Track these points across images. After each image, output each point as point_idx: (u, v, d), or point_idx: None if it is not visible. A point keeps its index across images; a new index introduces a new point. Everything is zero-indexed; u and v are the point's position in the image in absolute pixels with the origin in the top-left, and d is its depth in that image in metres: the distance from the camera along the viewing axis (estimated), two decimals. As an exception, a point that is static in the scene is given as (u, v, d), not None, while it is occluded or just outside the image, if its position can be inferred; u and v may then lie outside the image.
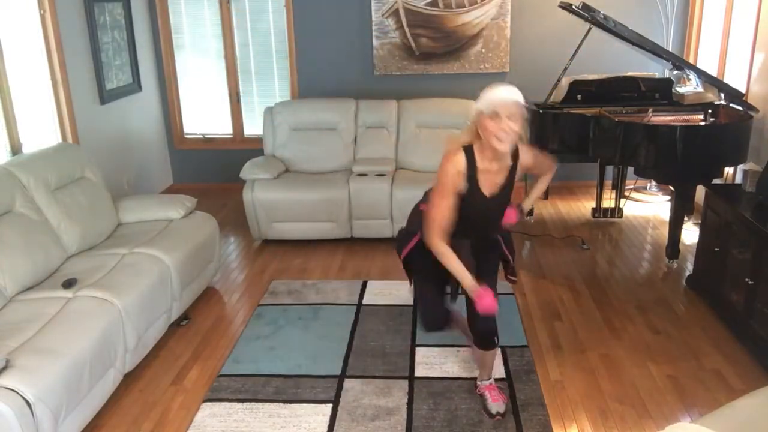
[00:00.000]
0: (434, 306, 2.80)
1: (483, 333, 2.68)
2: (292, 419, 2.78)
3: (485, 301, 2.45)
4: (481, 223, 2.64)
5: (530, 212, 5.15)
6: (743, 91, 4.42)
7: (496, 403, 2.77)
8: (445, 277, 2.65)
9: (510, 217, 2.75)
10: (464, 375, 3.05)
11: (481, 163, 2.44)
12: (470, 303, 2.61)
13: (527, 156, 2.60)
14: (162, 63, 5.94)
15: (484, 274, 2.61)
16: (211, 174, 6.21)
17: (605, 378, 3.04)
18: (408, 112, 5.11)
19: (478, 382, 2.90)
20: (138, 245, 3.51)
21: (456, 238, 2.52)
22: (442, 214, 2.44)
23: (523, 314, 3.66)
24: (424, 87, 5.69)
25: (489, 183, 2.49)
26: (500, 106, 2.30)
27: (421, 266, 2.78)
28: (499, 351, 3.24)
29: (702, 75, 4.36)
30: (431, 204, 2.50)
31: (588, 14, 4.20)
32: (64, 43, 4.46)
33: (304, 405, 2.87)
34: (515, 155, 2.53)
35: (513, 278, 2.97)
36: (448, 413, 2.79)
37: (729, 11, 4.82)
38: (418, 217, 2.69)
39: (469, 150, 2.44)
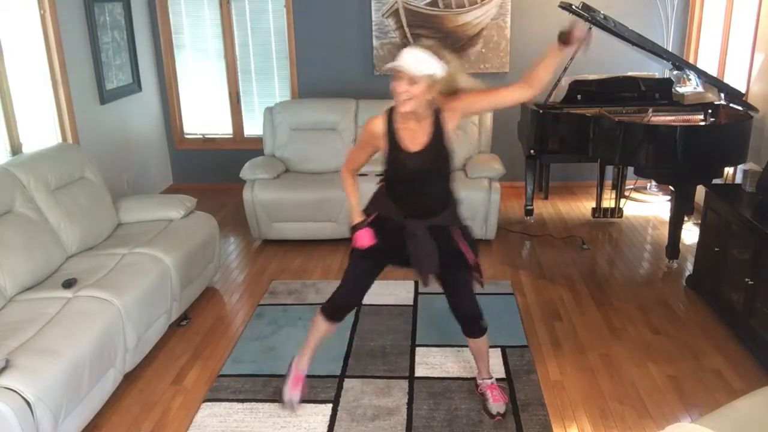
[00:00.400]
0: (353, 288, 2.73)
1: (466, 318, 2.70)
2: (292, 419, 2.78)
3: (359, 240, 2.55)
4: (411, 184, 2.52)
5: (530, 212, 5.15)
6: (743, 91, 4.42)
7: (497, 403, 2.77)
8: (398, 264, 2.67)
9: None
10: (464, 375, 3.05)
11: (397, 122, 2.46)
12: (451, 293, 2.66)
13: (451, 112, 2.43)
14: (162, 63, 5.94)
15: (452, 268, 2.59)
16: (211, 174, 6.21)
17: (605, 378, 3.04)
18: (408, 112, 5.10)
19: (479, 381, 2.90)
20: (138, 245, 3.51)
21: (393, 205, 2.56)
22: (353, 156, 2.67)
23: (523, 314, 3.66)
24: (424, 87, 5.69)
25: (410, 139, 2.45)
26: (395, 68, 2.31)
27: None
28: (499, 351, 3.25)
29: (702, 75, 4.36)
30: (349, 151, 2.72)
31: (588, 14, 4.20)
32: (64, 43, 4.46)
33: (304, 405, 2.86)
34: (439, 112, 2.44)
35: (479, 279, 2.70)
36: (448, 413, 2.79)
37: (729, 11, 4.82)
38: (376, 196, 2.68)
39: (390, 110, 2.48)
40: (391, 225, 2.55)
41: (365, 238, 2.56)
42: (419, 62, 2.28)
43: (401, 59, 2.30)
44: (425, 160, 2.45)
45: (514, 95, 2.43)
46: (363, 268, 2.70)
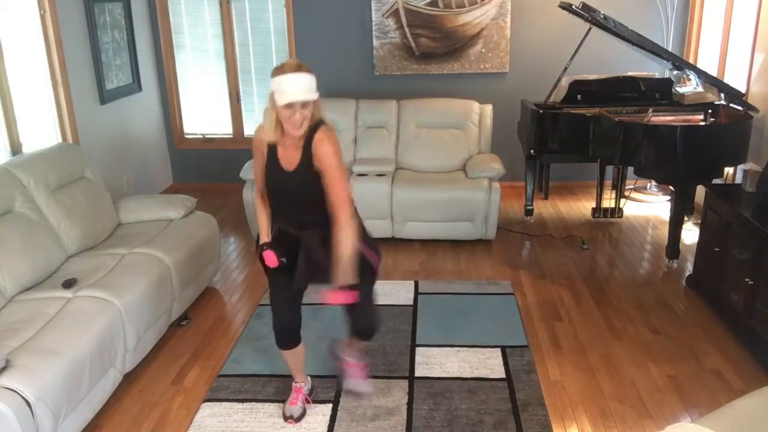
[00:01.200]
0: (285, 308, 2.64)
1: (364, 331, 2.72)
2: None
3: (267, 260, 2.51)
4: (286, 199, 2.52)
5: (530, 212, 5.15)
6: (743, 91, 4.42)
7: (355, 381, 2.88)
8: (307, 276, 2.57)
9: (332, 296, 2.43)
10: (464, 375, 3.05)
11: (279, 139, 2.43)
12: (347, 307, 2.60)
13: (319, 147, 2.38)
14: (162, 63, 5.94)
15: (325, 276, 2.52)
16: (211, 174, 6.21)
17: (605, 378, 3.04)
18: (408, 112, 5.11)
19: (342, 355, 2.94)
20: (138, 245, 3.51)
21: (278, 218, 2.56)
22: (256, 174, 2.58)
23: (523, 314, 3.66)
24: (423, 87, 5.69)
25: (287, 156, 2.44)
26: (303, 101, 2.29)
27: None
28: (499, 351, 3.26)
29: (702, 75, 4.36)
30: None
31: (588, 14, 4.21)
32: (64, 43, 4.46)
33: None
34: (312, 135, 2.41)
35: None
36: (448, 413, 2.79)
37: (729, 11, 4.82)
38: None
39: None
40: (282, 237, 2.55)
41: (271, 258, 2.51)
42: (312, 84, 2.29)
43: (300, 88, 2.24)
44: (300, 180, 2.42)
45: (332, 201, 2.40)
46: (282, 284, 2.60)
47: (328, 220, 2.43)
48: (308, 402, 2.86)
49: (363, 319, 2.67)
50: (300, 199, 2.47)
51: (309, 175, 2.40)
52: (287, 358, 2.77)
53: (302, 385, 2.87)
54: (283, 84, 2.25)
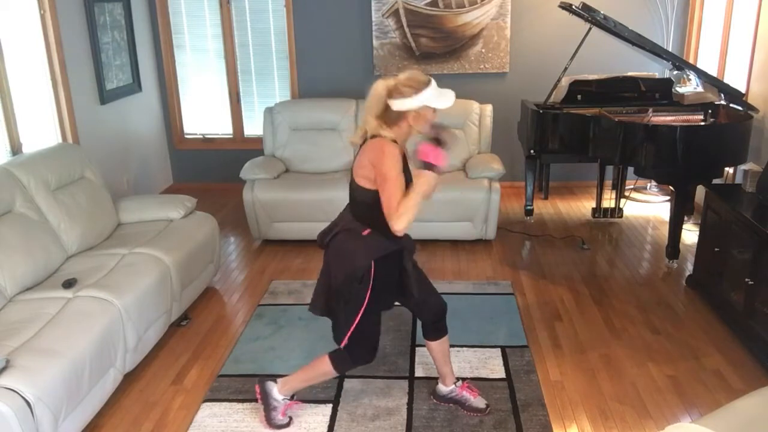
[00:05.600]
0: (376, 333, 2.62)
1: (435, 314, 2.67)
2: (292, 419, 2.78)
3: (431, 155, 2.34)
4: None
5: (530, 212, 5.15)
6: (743, 91, 4.42)
7: (479, 398, 2.79)
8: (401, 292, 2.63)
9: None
10: (464, 375, 3.05)
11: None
12: (416, 298, 2.62)
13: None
14: (162, 63, 5.94)
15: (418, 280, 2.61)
16: (211, 174, 6.21)
17: (605, 378, 3.04)
18: (408, 112, 5.10)
19: (449, 388, 2.82)
20: (138, 245, 3.51)
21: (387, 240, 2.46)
22: (398, 192, 2.32)
23: (523, 314, 3.66)
24: (424, 87, 5.69)
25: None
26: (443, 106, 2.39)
27: (382, 280, 2.49)
28: (499, 351, 3.25)
29: (702, 75, 4.36)
30: (389, 184, 2.32)
31: (588, 14, 4.20)
32: (64, 43, 4.46)
33: (304, 405, 2.86)
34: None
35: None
36: (448, 413, 2.79)
37: (729, 11, 4.82)
38: (369, 245, 2.47)
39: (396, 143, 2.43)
40: (391, 258, 2.51)
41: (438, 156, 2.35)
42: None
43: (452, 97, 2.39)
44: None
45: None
46: (387, 307, 2.67)
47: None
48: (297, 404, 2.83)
49: (434, 291, 2.69)
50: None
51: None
52: (317, 375, 2.72)
53: (460, 382, 2.85)
54: (442, 90, 2.39)
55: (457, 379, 2.85)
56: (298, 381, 2.74)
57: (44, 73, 4.38)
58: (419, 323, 2.73)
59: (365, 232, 2.46)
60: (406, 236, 2.54)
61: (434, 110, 2.39)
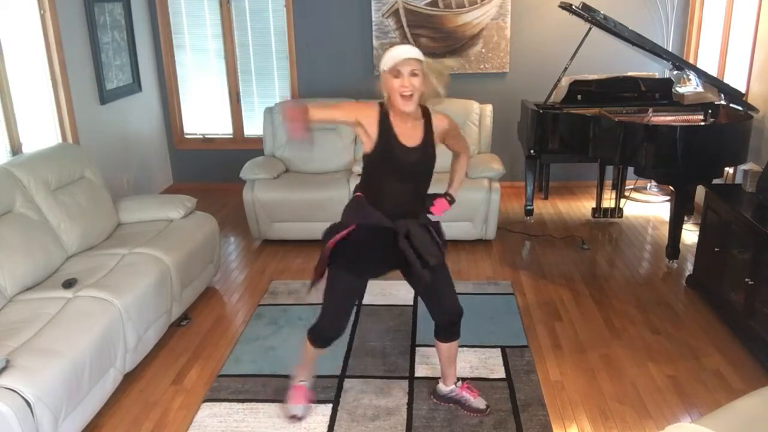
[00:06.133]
0: (341, 312, 2.62)
1: (452, 315, 2.64)
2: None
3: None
4: (407, 179, 2.49)
5: (530, 212, 5.15)
6: (743, 91, 4.42)
7: (479, 399, 2.79)
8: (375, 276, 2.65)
9: (440, 206, 2.62)
10: (464, 375, 3.05)
11: (394, 122, 2.43)
12: (429, 294, 2.61)
13: (440, 121, 2.53)
14: (162, 63, 5.94)
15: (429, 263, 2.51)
16: (211, 174, 6.21)
17: (605, 378, 3.04)
18: (408, 112, 5.10)
19: (449, 388, 2.83)
20: (138, 245, 3.51)
21: (375, 210, 2.46)
22: (326, 109, 2.48)
23: (523, 314, 3.66)
24: (424, 87, 5.69)
25: (407, 135, 2.44)
26: (401, 62, 2.32)
27: (344, 264, 2.51)
28: (499, 351, 3.26)
29: (702, 75, 4.36)
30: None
31: (588, 14, 4.21)
32: (64, 43, 4.45)
33: (310, 404, 2.86)
34: (427, 114, 2.50)
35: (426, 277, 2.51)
36: (448, 413, 2.79)
37: (729, 11, 4.82)
38: (351, 207, 2.56)
39: (383, 106, 2.45)
40: (372, 234, 2.47)
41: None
42: (416, 51, 2.36)
43: (414, 52, 2.34)
44: (424, 155, 2.46)
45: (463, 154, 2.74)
46: (358, 289, 2.65)
47: (421, 211, 2.58)
48: (312, 400, 2.85)
49: (452, 294, 2.65)
50: (419, 178, 2.52)
51: (429, 151, 2.48)
52: (314, 355, 2.75)
53: (306, 383, 2.86)
54: (391, 51, 2.35)
55: (458, 379, 2.85)
56: (302, 364, 2.84)
57: (44, 73, 4.38)
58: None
59: (357, 194, 2.56)
60: (414, 218, 2.51)
61: (397, 75, 2.32)
